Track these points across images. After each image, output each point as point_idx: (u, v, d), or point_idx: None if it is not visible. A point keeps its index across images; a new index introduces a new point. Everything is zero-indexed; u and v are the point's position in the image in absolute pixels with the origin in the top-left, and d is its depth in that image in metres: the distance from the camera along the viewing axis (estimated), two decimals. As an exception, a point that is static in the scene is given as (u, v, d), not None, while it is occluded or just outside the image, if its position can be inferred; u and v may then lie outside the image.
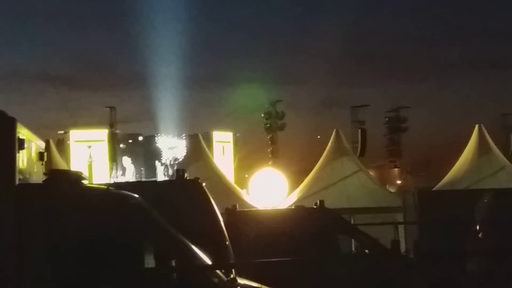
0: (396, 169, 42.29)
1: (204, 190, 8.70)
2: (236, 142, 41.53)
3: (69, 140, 38.48)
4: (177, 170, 9.08)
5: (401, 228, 16.49)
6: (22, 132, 6.42)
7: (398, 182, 40.69)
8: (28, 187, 6.33)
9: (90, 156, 36.53)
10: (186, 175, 8.91)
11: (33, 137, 7.01)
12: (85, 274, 6.10)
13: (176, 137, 39.46)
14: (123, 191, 6.79)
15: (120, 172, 34.75)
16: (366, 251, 12.35)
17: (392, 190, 28.10)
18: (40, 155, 7.31)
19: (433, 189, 20.09)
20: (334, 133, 23.13)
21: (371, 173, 26.46)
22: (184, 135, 37.71)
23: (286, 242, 11.11)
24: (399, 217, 17.80)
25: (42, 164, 7.37)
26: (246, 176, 29.22)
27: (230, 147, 40.36)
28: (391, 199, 20.60)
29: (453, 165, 22.58)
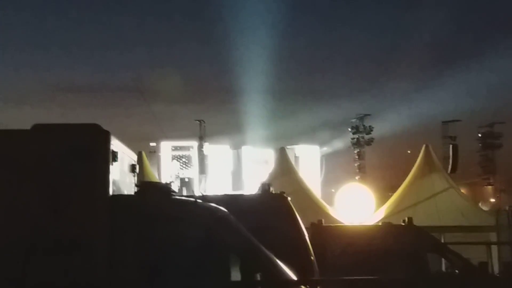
0: (489, 187, 40.71)
1: (290, 204, 8.70)
2: (323, 156, 41.32)
3: (160, 152, 39.63)
4: (263, 184, 9.12)
5: (494, 248, 15.87)
6: (115, 145, 6.66)
7: (492, 200, 39.13)
8: (120, 199, 6.55)
9: (182, 167, 37.40)
10: (271, 189, 8.94)
11: (125, 149, 7.25)
12: (173, 284, 6.24)
13: (263, 151, 39.73)
14: (210, 204, 6.90)
15: (208, 185, 35.35)
16: (456, 271, 11.94)
17: (485, 208, 27.03)
18: (132, 167, 7.54)
19: (529, 208, 19.19)
20: (423, 148, 22.59)
21: (462, 190, 25.61)
22: (271, 148, 37.90)
23: (373, 260, 10.91)
24: (492, 236, 17.14)
25: (134, 176, 7.60)
26: (333, 190, 28.98)
27: (317, 161, 40.18)
28: (484, 218, 19.85)
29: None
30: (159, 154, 39.40)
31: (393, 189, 23.62)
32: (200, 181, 34.34)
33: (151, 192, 6.78)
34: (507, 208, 18.08)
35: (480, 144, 40.89)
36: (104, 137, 6.48)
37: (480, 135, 40.84)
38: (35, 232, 6.20)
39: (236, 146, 40.42)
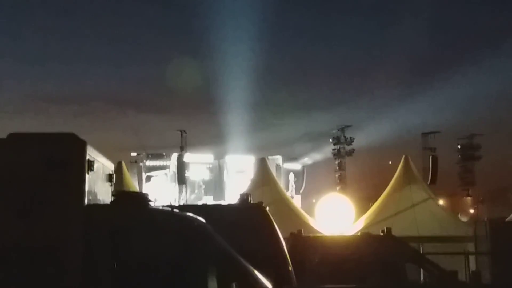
0: (468, 198, 41.10)
1: (268, 215, 8.70)
2: (304, 167, 41.42)
3: (140, 162, 39.46)
4: (242, 194, 9.12)
5: (472, 258, 15.99)
6: (92, 154, 6.62)
7: (471, 211, 39.49)
8: (95, 208, 6.52)
9: (167, 177, 37.19)
10: (250, 199, 8.95)
11: (102, 159, 7.21)
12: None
13: (243, 161, 39.75)
14: (187, 214, 6.88)
15: (186, 195, 35.25)
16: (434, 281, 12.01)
17: (464, 219, 27.27)
18: (109, 177, 7.51)
19: (507, 220, 19.40)
20: (403, 159, 22.75)
21: (442, 201, 25.83)
22: (251, 159, 37.92)
23: (351, 269, 10.96)
24: (470, 247, 17.27)
25: (111, 185, 7.57)
26: (314, 201, 29.05)
27: (297, 172, 40.25)
28: (462, 229, 20.01)
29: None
30: (140, 164, 39.24)
31: (373, 199, 23.75)
32: (180, 191, 34.22)
33: (127, 201, 6.74)
34: (485, 219, 18.25)
35: (459, 156, 41.29)
36: (80, 146, 6.44)
37: (459, 146, 41.25)
38: (7, 241, 6.14)
39: (218, 156, 40.42)
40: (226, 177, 40.63)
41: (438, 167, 32.14)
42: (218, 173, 40.65)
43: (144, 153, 39.39)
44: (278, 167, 39.38)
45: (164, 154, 39.60)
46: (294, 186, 40.52)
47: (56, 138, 6.52)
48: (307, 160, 40.96)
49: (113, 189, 7.56)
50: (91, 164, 6.50)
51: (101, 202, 6.98)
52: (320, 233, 19.14)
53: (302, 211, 23.05)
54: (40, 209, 6.21)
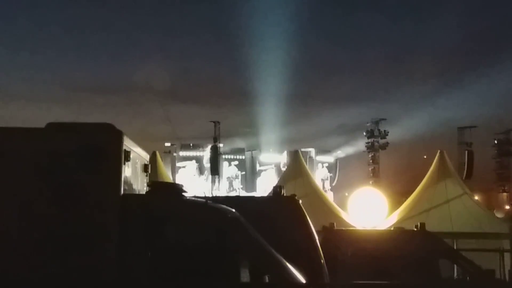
0: (504, 194, 40.40)
1: (301, 208, 8.68)
2: (337, 160, 41.22)
3: (174, 152, 39.73)
4: (275, 187, 9.11)
5: (507, 255, 15.75)
6: (128, 144, 6.70)
7: (507, 207, 38.81)
8: (131, 198, 6.60)
9: (197, 168, 37.38)
10: (283, 191, 8.94)
11: (138, 149, 7.29)
12: (182, 285, 6.27)
13: (277, 153, 39.70)
14: (221, 205, 6.92)
15: (221, 186, 35.42)
16: (468, 277, 11.87)
17: (499, 215, 26.83)
18: (145, 167, 7.59)
19: (544, 217, 19.05)
20: (438, 154, 22.48)
21: (477, 197, 25.45)
22: (285, 151, 37.86)
23: (384, 264, 10.87)
24: (506, 244, 17.00)
25: (146, 176, 7.65)
26: (346, 194, 28.90)
27: (330, 165, 40.05)
28: (498, 225, 19.70)
29: None
30: (174, 154, 39.54)
31: (407, 194, 23.52)
32: (213, 182, 34.39)
33: (162, 192, 6.82)
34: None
35: (496, 151, 40.59)
36: (117, 137, 6.53)
37: (496, 141, 40.54)
38: (46, 229, 6.27)
39: (250, 148, 40.48)
40: (258, 169, 40.64)
41: (474, 162, 31.67)
42: (250, 165, 40.70)
43: (178, 144, 39.57)
44: (311, 159, 39.23)
45: (198, 144, 39.76)
46: (327, 179, 40.34)
47: (94, 128, 6.62)
48: (340, 153, 40.73)
49: (148, 180, 7.65)
50: (127, 154, 6.58)
51: (137, 192, 7.06)
52: (353, 227, 19.03)
53: (334, 205, 22.96)
54: (77, 198, 6.32)
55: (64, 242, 6.21)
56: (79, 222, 6.25)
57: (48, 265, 6.19)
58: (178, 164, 39.07)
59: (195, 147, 39.37)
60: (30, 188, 6.37)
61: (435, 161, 22.38)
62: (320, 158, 40.93)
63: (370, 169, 36.75)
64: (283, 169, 28.01)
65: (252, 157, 40.53)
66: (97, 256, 6.18)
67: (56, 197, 6.32)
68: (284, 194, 8.91)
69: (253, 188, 38.72)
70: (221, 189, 34.93)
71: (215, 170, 32.41)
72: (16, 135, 6.60)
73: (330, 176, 40.77)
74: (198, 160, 39.04)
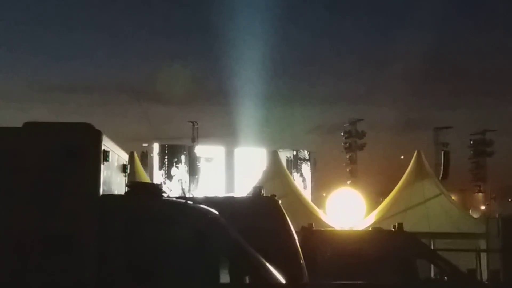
0: (480, 194, 40.89)
1: (280, 208, 8.70)
2: (315, 161, 41.37)
3: (152, 152, 39.52)
4: (254, 187, 9.11)
5: (483, 255, 15.91)
6: (107, 144, 6.64)
7: (482, 207, 39.30)
8: (110, 198, 6.54)
9: (176, 169, 37.22)
10: (263, 191, 8.94)
11: (117, 149, 7.23)
12: (162, 286, 6.23)
13: (255, 153, 39.72)
14: (200, 205, 6.89)
15: (198, 186, 35.32)
16: (445, 277, 11.96)
17: (476, 215, 27.13)
18: (123, 167, 7.53)
19: (519, 217, 19.25)
20: (415, 154, 22.64)
21: (453, 197, 25.67)
22: (263, 151, 37.90)
23: (362, 264, 10.92)
24: (482, 244, 17.18)
25: (124, 176, 7.59)
26: (324, 195, 29.02)
27: (308, 165, 40.21)
28: (474, 225, 19.89)
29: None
30: (151, 155, 39.34)
31: (384, 194, 23.67)
32: (191, 182, 34.29)
33: (141, 192, 6.77)
34: (497, 215, 18.12)
35: (471, 151, 41.07)
36: (95, 136, 6.46)
37: (472, 142, 41.00)
38: (24, 230, 6.18)
39: (229, 148, 40.46)
40: (236, 170, 40.62)
41: (450, 162, 32.01)
42: (229, 165, 40.65)
43: (155, 144, 39.38)
44: (289, 160, 39.30)
45: (176, 145, 39.62)
46: (305, 179, 40.47)
47: (72, 127, 6.55)
48: (318, 153, 40.87)
49: (127, 180, 7.58)
50: (106, 154, 6.51)
51: (116, 193, 7.00)
52: (331, 227, 19.10)
53: (313, 205, 23.01)
54: (55, 198, 6.25)
55: (42, 243, 6.13)
56: (58, 223, 6.18)
57: (26, 266, 6.11)
58: (156, 165, 38.86)
59: (173, 147, 39.21)
60: (7, 188, 6.28)
61: (412, 161, 22.54)
62: (298, 158, 41.01)
63: (348, 169, 36.95)
64: (262, 169, 27.99)
65: (230, 157, 40.48)
66: (77, 257, 6.11)
67: (34, 197, 6.24)
68: (264, 195, 8.91)
69: (231, 189, 38.68)
70: (200, 190, 34.84)
71: (193, 171, 32.33)
72: None
73: (308, 177, 40.90)
74: (176, 160, 38.90)
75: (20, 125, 6.57)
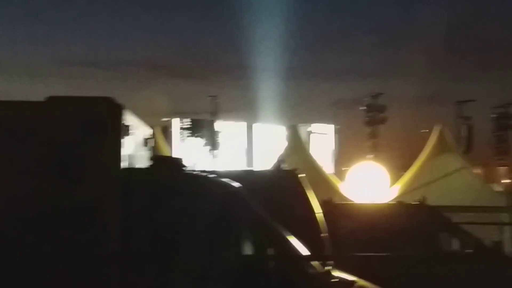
0: (503, 168, 40.46)
1: (302, 181, 8.69)
2: (336, 135, 41.19)
3: (172, 127, 39.63)
4: (276, 161, 9.11)
5: (506, 229, 15.81)
6: (129, 118, 6.65)
7: (505, 181, 38.92)
8: (132, 172, 6.57)
9: (197, 143, 37.37)
10: (284, 165, 8.94)
11: (139, 123, 7.25)
12: (184, 258, 6.26)
13: (276, 128, 39.65)
14: (222, 179, 6.90)
15: (220, 160, 35.39)
16: (469, 250, 11.90)
17: (499, 189, 26.91)
18: (146, 141, 7.56)
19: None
20: (437, 128, 22.45)
21: (476, 170, 25.46)
22: (283, 125, 37.82)
23: (384, 237, 10.90)
24: (504, 217, 17.07)
25: (147, 150, 7.62)
26: (345, 169, 28.90)
27: (329, 139, 40.06)
28: (497, 199, 19.75)
29: None
30: (171, 129, 39.41)
31: (406, 168, 23.54)
32: (211, 156, 34.37)
33: (164, 165, 6.79)
34: (520, 189, 17.99)
35: (494, 125, 40.53)
36: (117, 110, 6.48)
37: (495, 115, 40.46)
38: (46, 203, 6.24)
39: (249, 123, 40.37)
40: (256, 144, 40.63)
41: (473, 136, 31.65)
42: (249, 139, 40.67)
43: (176, 119, 39.47)
44: (309, 134, 39.18)
45: (196, 120, 39.68)
46: (325, 154, 40.37)
47: (94, 101, 6.56)
48: (339, 127, 40.68)
49: (149, 154, 7.61)
50: (127, 128, 6.54)
51: (138, 166, 7.02)
52: (352, 201, 19.06)
53: (334, 179, 22.97)
54: (77, 171, 6.29)
55: (65, 217, 6.19)
56: (80, 197, 6.22)
57: (51, 239, 6.17)
58: (176, 139, 38.98)
59: (193, 122, 39.28)
60: (30, 162, 6.33)
61: (434, 135, 22.37)
62: (318, 132, 40.87)
63: (369, 143, 36.72)
64: (282, 144, 27.91)
65: (250, 132, 40.47)
66: (100, 230, 6.17)
67: (56, 171, 6.29)
68: (285, 168, 8.91)
69: (251, 163, 38.73)
70: (222, 163, 34.91)
71: (213, 145, 32.34)
72: (16, 109, 6.55)
73: (329, 151, 40.81)
74: (197, 135, 38.97)
75: (42, 99, 6.59)
